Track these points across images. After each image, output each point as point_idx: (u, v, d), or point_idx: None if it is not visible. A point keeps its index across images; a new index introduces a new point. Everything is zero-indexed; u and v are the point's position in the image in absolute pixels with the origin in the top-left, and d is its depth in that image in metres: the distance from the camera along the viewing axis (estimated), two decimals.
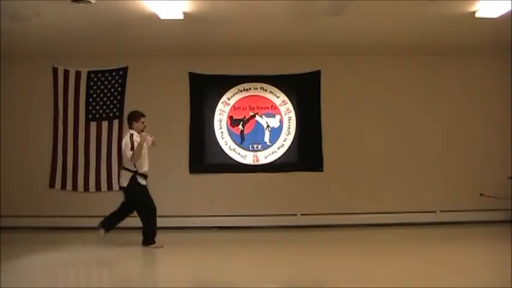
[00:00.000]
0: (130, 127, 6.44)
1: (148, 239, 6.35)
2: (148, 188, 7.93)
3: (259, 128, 8.14)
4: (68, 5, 5.66)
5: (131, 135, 6.30)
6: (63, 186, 8.00)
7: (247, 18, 6.41)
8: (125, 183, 6.29)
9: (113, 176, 7.99)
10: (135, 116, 6.45)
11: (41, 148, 8.03)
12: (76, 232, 7.55)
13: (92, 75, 8.11)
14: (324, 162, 8.03)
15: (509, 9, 6.03)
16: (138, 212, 6.42)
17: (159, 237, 7.40)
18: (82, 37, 7.11)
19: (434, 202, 7.95)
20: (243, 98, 8.17)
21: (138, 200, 6.32)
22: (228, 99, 8.16)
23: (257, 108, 8.15)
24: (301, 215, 7.91)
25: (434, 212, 7.96)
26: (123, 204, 6.45)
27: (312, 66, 8.11)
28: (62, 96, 8.09)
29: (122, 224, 7.76)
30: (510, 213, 7.84)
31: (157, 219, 7.78)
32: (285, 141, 8.11)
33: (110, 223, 6.44)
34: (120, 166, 6.75)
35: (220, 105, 8.14)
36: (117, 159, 7.99)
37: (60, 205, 7.90)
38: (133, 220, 7.82)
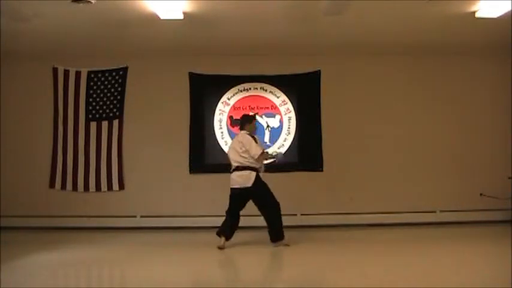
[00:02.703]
0: (243, 129, 6.48)
1: (279, 236, 6.27)
2: (149, 187, 8.00)
3: (259, 128, 8.12)
4: (68, 5, 5.66)
5: (252, 136, 6.37)
6: (63, 186, 8.00)
7: (247, 18, 6.42)
8: (250, 183, 6.21)
9: (113, 176, 7.99)
10: (251, 119, 6.61)
11: (41, 148, 8.03)
12: (76, 232, 7.55)
13: (92, 75, 8.11)
14: (324, 162, 8.03)
15: (509, 9, 6.04)
16: (263, 208, 6.32)
17: (160, 237, 7.42)
18: (82, 37, 7.11)
19: (434, 202, 7.95)
20: (243, 98, 8.17)
21: (265, 194, 6.27)
22: (228, 99, 8.16)
23: (257, 108, 8.15)
24: (301, 215, 7.91)
25: (434, 212, 7.95)
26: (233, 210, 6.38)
27: (312, 66, 8.11)
28: (62, 96, 8.09)
29: (124, 224, 7.82)
30: (510, 213, 7.84)
31: (159, 219, 7.87)
32: (285, 141, 8.11)
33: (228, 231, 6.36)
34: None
35: (220, 105, 8.14)
36: (117, 159, 8.00)
37: (60, 205, 7.90)
38: (136, 221, 7.87)
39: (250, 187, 6.20)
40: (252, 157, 6.22)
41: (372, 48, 7.83)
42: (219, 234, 6.33)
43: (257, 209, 6.36)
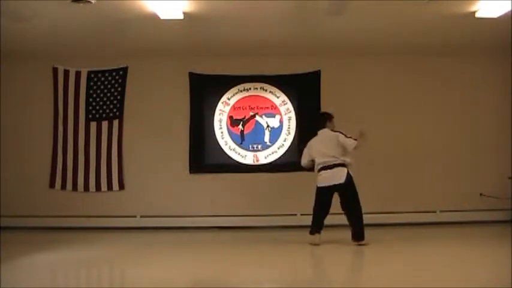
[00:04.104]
0: (325, 126, 6.43)
1: (362, 236, 6.22)
2: (149, 187, 8.00)
3: (259, 128, 8.14)
4: (68, 5, 5.66)
5: (339, 131, 6.34)
6: (63, 186, 7.99)
7: (247, 18, 6.42)
8: (343, 179, 6.16)
9: (113, 176, 7.98)
10: (331, 116, 6.55)
11: (41, 148, 8.02)
12: (76, 232, 7.55)
13: (92, 75, 8.11)
14: None
15: (509, 9, 6.04)
16: (352, 205, 6.27)
17: (160, 237, 7.42)
18: (82, 37, 7.11)
19: (434, 202, 7.95)
20: (243, 98, 8.17)
21: (356, 192, 6.27)
22: (228, 99, 8.16)
23: (257, 108, 8.15)
24: (301, 215, 7.89)
25: (435, 212, 7.95)
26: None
27: (312, 66, 8.10)
28: (62, 96, 8.09)
29: (124, 224, 7.82)
30: (510, 213, 7.84)
31: (159, 219, 7.87)
32: (285, 141, 8.11)
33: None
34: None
35: (220, 105, 8.14)
36: (117, 159, 8.00)
37: (60, 205, 7.89)
38: (136, 221, 7.87)
39: (343, 183, 6.14)
40: (349, 151, 6.19)
41: (372, 48, 7.83)
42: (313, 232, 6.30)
43: (343, 205, 6.28)
